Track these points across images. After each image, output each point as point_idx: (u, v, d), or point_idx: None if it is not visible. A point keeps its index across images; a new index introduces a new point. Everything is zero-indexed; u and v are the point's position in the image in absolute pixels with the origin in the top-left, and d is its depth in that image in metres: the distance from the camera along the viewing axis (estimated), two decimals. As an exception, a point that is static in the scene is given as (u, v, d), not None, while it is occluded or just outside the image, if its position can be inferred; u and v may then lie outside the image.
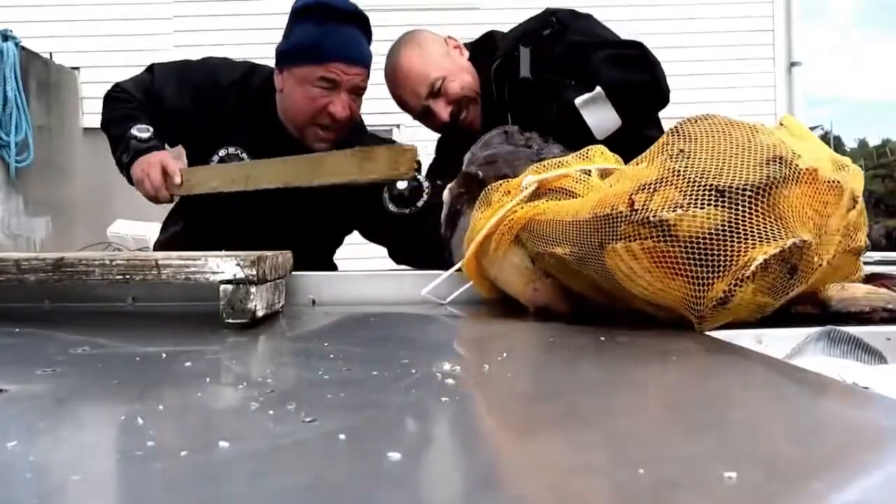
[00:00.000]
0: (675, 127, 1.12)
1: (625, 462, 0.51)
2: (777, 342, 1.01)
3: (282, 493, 0.46)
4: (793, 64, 7.55)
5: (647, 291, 1.07)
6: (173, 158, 1.79)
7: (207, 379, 0.79)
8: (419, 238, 1.73)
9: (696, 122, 1.11)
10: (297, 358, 0.98)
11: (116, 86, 1.93)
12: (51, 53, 6.34)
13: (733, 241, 0.99)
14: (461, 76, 1.87)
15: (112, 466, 0.51)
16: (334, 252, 2.14)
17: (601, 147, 1.33)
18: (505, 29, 2.01)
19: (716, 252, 1.00)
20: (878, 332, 1.02)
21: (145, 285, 1.18)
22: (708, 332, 1.02)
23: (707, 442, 0.56)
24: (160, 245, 2.07)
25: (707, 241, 1.00)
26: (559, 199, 1.22)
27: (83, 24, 6.81)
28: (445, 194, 1.45)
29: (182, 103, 1.88)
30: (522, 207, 1.23)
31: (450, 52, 1.92)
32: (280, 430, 0.60)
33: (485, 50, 1.93)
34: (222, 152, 1.86)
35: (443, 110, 1.86)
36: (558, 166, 1.27)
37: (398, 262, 2.02)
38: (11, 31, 5.66)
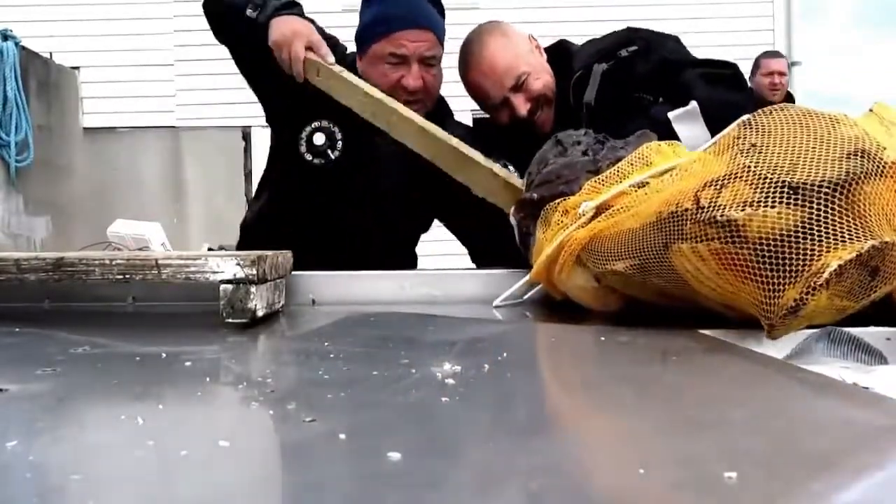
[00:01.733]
0: (748, 119, 1.05)
1: (625, 462, 0.51)
2: (777, 342, 1.01)
3: (282, 492, 0.46)
4: (793, 64, 7.55)
5: (715, 293, 1.02)
6: (321, 39, 1.73)
7: (207, 379, 0.79)
8: (502, 228, 1.70)
9: (770, 112, 1.04)
10: (297, 358, 0.98)
11: None
12: (51, 53, 6.34)
13: (806, 244, 0.92)
14: (543, 75, 1.88)
15: (112, 466, 0.51)
16: (416, 242, 2.13)
17: (656, 144, 1.29)
18: None
19: (788, 256, 0.93)
20: (878, 332, 1.02)
21: (145, 285, 1.18)
22: (708, 332, 1.02)
23: (707, 442, 0.56)
24: (247, 226, 2.07)
25: (778, 243, 0.93)
26: (619, 215, 1.17)
27: (83, 24, 6.81)
28: (511, 219, 1.44)
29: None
30: (579, 230, 1.19)
31: (533, 49, 1.93)
32: (280, 430, 0.60)
33: (557, 59, 1.95)
34: (315, 124, 1.86)
35: (522, 105, 1.86)
36: (616, 177, 1.22)
37: (477, 259, 2.00)
38: (11, 31, 5.66)
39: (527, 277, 1.35)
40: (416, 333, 1.17)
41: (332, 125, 1.86)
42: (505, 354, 0.91)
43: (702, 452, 0.53)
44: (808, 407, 0.69)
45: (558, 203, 1.28)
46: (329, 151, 1.85)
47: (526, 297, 1.40)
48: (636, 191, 1.19)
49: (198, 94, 6.84)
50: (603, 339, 1.01)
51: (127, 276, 1.14)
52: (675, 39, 1.90)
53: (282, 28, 1.72)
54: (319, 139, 1.84)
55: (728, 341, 0.99)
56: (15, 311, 1.26)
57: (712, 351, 0.95)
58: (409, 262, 2.04)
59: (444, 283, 1.48)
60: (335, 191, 1.85)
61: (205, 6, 1.92)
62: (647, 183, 1.19)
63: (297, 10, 1.77)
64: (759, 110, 1.06)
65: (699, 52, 1.92)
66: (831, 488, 0.46)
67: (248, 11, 1.75)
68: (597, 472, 0.50)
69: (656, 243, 1.05)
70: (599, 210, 1.20)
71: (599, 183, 1.24)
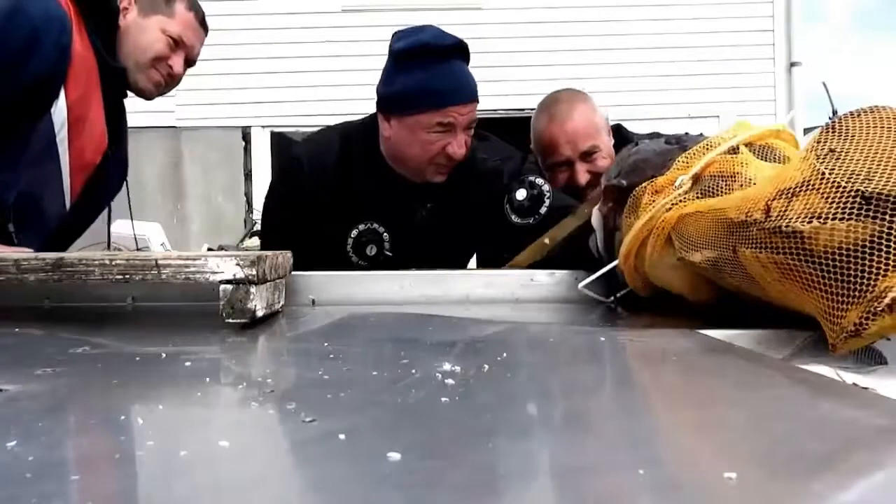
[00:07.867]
0: (832, 122, 0.97)
1: (625, 462, 0.51)
2: (777, 342, 1.01)
3: (282, 492, 0.46)
4: (793, 64, 7.56)
5: (780, 298, 0.99)
6: None
7: (207, 379, 0.79)
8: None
9: (857, 115, 0.95)
10: (297, 358, 0.98)
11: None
12: (51, 54, 6.33)
13: (873, 262, 0.85)
14: (609, 158, 1.93)
15: (112, 466, 0.51)
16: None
17: (745, 121, 1.26)
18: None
19: (853, 273, 0.86)
20: (878, 332, 1.01)
21: (145, 285, 1.18)
22: (708, 332, 1.02)
23: (707, 442, 0.56)
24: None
25: (844, 258, 0.86)
26: (711, 191, 1.12)
27: (83, 24, 6.80)
28: (595, 218, 1.40)
29: (292, 215, 1.90)
30: (670, 208, 1.16)
31: (608, 130, 2.00)
32: (280, 430, 0.60)
33: (616, 143, 1.99)
34: (362, 227, 1.88)
35: (582, 174, 1.91)
36: (704, 150, 1.18)
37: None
38: (12, 31, 5.65)
39: (615, 263, 1.30)
40: (415, 333, 1.17)
41: (378, 226, 1.86)
42: (505, 354, 0.91)
43: (702, 452, 0.53)
44: (807, 407, 0.69)
45: (646, 186, 1.23)
46: (378, 257, 1.87)
47: (611, 298, 1.38)
48: (728, 157, 1.14)
49: (198, 94, 6.84)
50: (603, 339, 1.01)
51: (127, 276, 1.14)
52: None
53: None
54: (371, 251, 1.85)
55: (728, 341, 0.99)
56: (15, 311, 1.26)
57: (712, 351, 0.95)
58: None
59: (445, 284, 1.48)
60: (380, 246, 1.87)
61: None
62: (738, 149, 1.14)
63: None
64: (848, 111, 0.97)
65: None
66: (831, 488, 0.46)
67: None
68: (596, 473, 0.50)
69: (727, 245, 1.03)
70: (694, 184, 1.16)
71: (689, 157, 1.20)
